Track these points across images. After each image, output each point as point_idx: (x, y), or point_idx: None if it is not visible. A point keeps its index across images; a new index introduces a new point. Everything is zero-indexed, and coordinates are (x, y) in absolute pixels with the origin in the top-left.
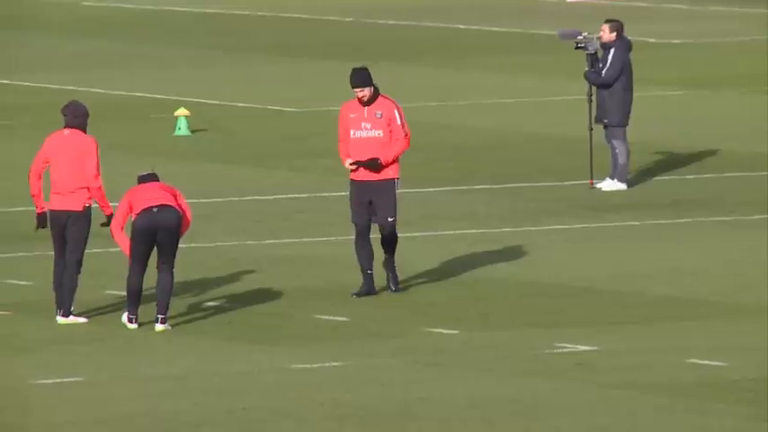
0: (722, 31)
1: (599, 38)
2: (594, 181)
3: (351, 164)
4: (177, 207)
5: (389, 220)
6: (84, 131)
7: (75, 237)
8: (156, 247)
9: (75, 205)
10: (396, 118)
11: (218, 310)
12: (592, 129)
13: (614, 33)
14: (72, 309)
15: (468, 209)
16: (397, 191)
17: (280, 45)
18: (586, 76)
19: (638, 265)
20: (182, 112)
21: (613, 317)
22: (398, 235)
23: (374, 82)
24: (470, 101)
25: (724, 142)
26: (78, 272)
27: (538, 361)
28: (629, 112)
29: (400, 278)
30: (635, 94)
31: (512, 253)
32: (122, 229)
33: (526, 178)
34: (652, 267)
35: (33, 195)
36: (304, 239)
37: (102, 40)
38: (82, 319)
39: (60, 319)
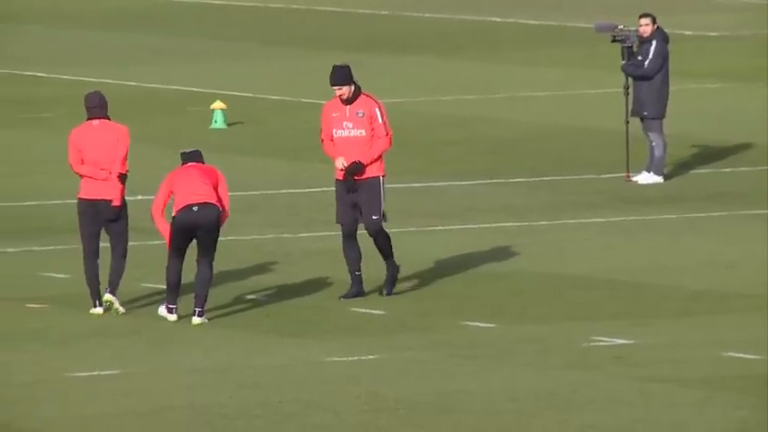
0: (759, 23)
1: (636, 31)
2: (631, 174)
3: (342, 166)
4: (217, 203)
5: (374, 218)
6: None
7: (118, 229)
8: (195, 242)
9: (114, 194)
10: (377, 116)
11: (253, 304)
12: (628, 122)
13: (654, 26)
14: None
15: (505, 201)
16: (383, 189)
17: (315, 38)
18: (624, 69)
19: (675, 259)
20: (218, 105)
21: (650, 310)
22: (439, 228)
23: (355, 80)
24: (507, 94)
25: (760, 135)
26: (125, 257)
27: (575, 354)
28: (667, 105)
29: (437, 272)
30: (671, 87)
31: (549, 246)
32: (162, 213)
33: (563, 171)
34: (688, 260)
35: (104, 180)
36: (339, 232)
37: (138, 33)
38: (122, 309)
39: (107, 296)
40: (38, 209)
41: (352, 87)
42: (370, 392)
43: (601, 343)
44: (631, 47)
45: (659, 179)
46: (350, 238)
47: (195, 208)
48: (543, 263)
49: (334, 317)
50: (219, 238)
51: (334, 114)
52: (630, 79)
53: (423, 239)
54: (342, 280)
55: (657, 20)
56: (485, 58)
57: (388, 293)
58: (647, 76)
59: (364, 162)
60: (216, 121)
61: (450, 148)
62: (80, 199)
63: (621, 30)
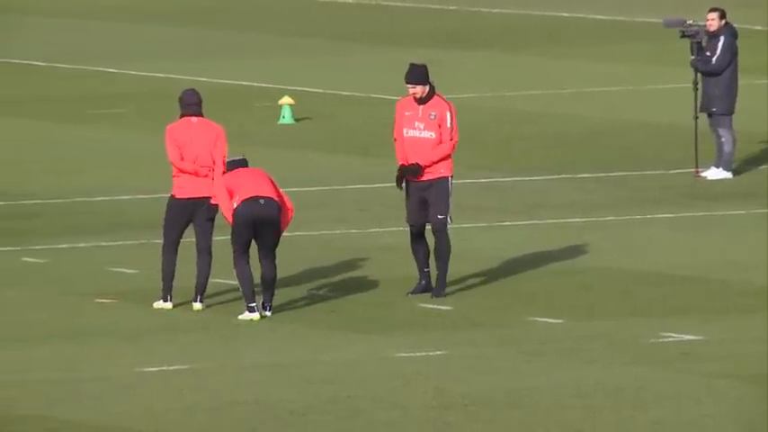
0: None
1: (704, 26)
2: (700, 169)
3: (399, 169)
4: (279, 201)
5: (440, 217)
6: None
7: (209, 226)
8: (256, 239)
9: (209, 190)
10: (446, 120)
11: (321, 299)
12: (697, 117)
13: (723, 21)
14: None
15: (572, 197)
16: (451, 189)
17: (383, 33)
18: (694, 65)
19: (744, 254)
20: (286, 100)
21: (719, 306)
22: (505, 223)
23: (431, 80)
24: (575, 89)
25: None
26: (211, 254)
27: (643, 350)
28: (736, 101)
29: (505, 267)
30: (740, 83)
31: (616, 241)
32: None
33: (630, 166)
34: (757, 256)
35: (204, 176)
36: (407, 229)
37: (207, 29)
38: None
39: (197, 306)
40: (108, 204)
41: (427, 87)
42: (437, 388)
43: (668, 339)
44: (700, 42)
45: (728, 175)
46: (419, 236)
47: (262, 201)
48: (611, 259)
49: (402, 313)
50: (288, 234)
51: (406, 113)
52: (699, 75)
53: (490, 235)
54: (409, 276)
55: (727, 15)
56: (552, 54)
57: (437, 295)
58: (716, 71)
59: (423, 165)
60: (284, 117)
61: (517, 144)
62: (176, 198)
63: (690, 25)
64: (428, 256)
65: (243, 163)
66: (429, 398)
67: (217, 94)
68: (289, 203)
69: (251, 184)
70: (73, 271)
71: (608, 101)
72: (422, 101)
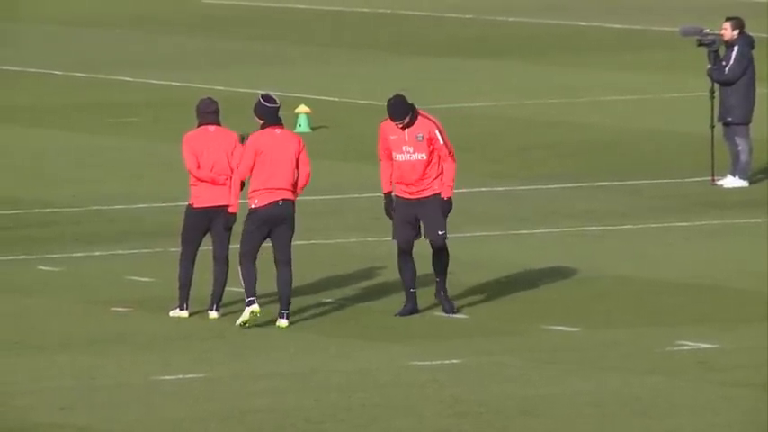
0: None
1: (720, 35)
2: (716, 178)
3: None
4: (294, 195)
5: (440, 233)
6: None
7: (227, 233)
8: (270, 238)
9: (227, 199)
10: (437, 138)
11: (337, 307)
12: (713, 126)
13: (737, 31)
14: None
15: (588, 206)
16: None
17: (399, 42)
18: (709, 74)
19: (760, 263)
20: (302, 109)
21: (735, 315)
22: (518, 232)
23: (411, 103)
24: (592, 98)
25: None
26: (228, 263)
27: (659, 359)
28: (753, 110)
29: (520, 276)
30: (757, 92)
31: (632, 250)
32: (242, 181)
33: (647, 175)
34: None
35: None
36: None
37: (223, 38)
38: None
39: (213, 315)
40: (124, 212)
41: (410, 114)
42: (453, 396)
43: (685, 347)
44: (717, 51)
45: (744, 183)
46: (405, 255)
47: (281, 203)
48: (627, 267)
49: (417, 321)
50: (303, 242)
51: (392, 137)
52: (716, 84)
53: (506, 243)
54: (426, 283)
55: (744, 25)
56: (569, 62)
57: (451, 311)
58: (729, 81)
59: (444, 196)
60: (300, 125)
61: (533, 152)
62: (194, 207)
63: (707, 34)
64: (415, 276)
65: (275, 116)
66: (444, 406)
67: (233, 102)
68: (306, 169)
69: (272, 176)
70: (89, 279)
71: (624, 110)
72: (406, 125)
